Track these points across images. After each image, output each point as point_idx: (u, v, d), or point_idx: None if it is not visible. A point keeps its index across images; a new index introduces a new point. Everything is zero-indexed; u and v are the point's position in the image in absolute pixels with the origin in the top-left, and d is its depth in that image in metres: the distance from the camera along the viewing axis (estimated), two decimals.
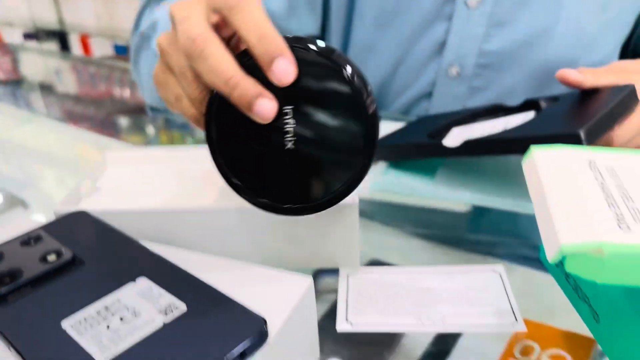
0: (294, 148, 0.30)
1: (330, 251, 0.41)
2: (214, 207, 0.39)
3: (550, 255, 0.26)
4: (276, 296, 0.29)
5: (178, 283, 0.29)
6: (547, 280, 0.52)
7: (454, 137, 0.51)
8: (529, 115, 0.51)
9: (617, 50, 0.69)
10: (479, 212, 0.48)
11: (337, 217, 0.38)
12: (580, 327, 0.37)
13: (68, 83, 2.01)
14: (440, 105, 0.69)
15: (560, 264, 0.36)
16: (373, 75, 0.72)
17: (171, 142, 1.00)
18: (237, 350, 0.25)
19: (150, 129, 1.06)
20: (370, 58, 0.72)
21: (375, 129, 0.30)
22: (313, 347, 0.32)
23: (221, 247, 0.40)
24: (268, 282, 0.30)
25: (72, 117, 1.77)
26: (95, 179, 0.44)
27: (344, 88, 0.30)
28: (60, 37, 2.23)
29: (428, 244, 0.52)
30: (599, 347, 0.36)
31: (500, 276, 0.41)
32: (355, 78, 0.30)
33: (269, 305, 0.28)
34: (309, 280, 0.30)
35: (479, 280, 0.41)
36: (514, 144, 0.44)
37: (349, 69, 0.30)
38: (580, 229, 0.26)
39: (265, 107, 0.29)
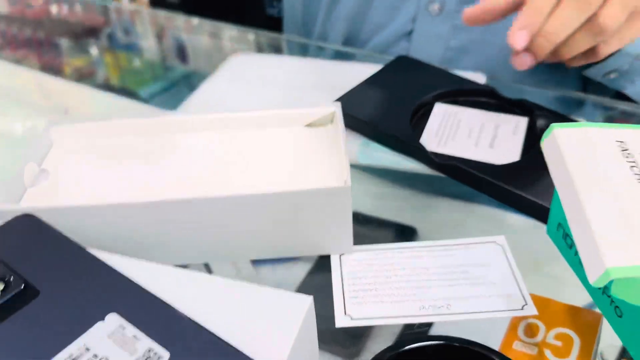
0: None
1: (322, 237, 0.37)
2: (196, 196, 0.33)
3: (593, 277, 0.22)
4: (275, 325, 0.25)
5: (157, 320, 0.24)
6: (543, 245, 0.49)
7: (435, 131, 0.48)
8: (521, 124, 0.48)
9: None
10: None
11: (329, 200, 0.34)
12: (583, 298, 0.35)
13: None
14: (421, 46, 0.63)
15: (606, 288, 0.33)
16: (346, 10, 0.65)
17: (117, 63, 0.93)
18: None
19: (94, 50, 0.98)
20: None
21: None
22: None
23: (205, 239, 0.35)
24: (264, 306, 0.26)
25: (6, 41, 1.61)
26: (39, 160, 0.38)
27: None
28: None
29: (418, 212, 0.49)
30: (606, 324, 0.35)
31: (503, 249, 0.38)
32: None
33: (268, 336, 0.24)
34: (309, 300, 0.26)
35: (480, 255, 0.38)
36: (501, 193, 0.43)
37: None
38: (627, 248, 0.22)
39: None
